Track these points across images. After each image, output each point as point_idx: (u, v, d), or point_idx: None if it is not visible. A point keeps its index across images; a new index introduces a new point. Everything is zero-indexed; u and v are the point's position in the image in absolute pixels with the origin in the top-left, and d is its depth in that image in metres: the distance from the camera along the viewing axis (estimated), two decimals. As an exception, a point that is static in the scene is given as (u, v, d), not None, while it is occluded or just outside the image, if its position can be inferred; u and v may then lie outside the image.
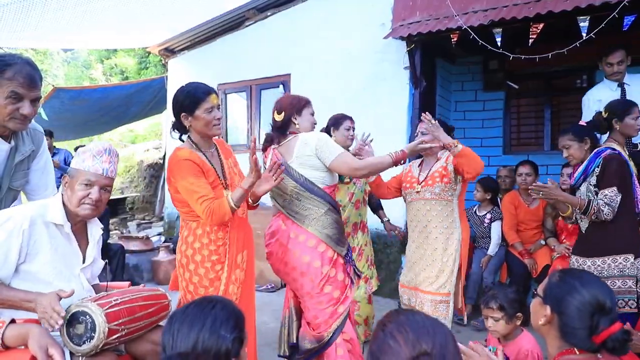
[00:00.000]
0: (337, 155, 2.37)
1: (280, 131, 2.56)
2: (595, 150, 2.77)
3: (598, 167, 2.71)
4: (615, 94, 3.52)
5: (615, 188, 2.62)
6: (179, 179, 2.14)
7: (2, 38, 5.40)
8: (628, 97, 3.42)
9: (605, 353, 1.42)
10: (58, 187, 2.26)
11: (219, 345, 1.20)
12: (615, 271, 2.63)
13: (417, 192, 2.90)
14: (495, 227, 4.30)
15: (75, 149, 5.82)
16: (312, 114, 2.61)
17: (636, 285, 2.60)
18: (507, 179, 4.60)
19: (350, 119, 3.46)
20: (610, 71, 3.58)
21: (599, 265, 2.68)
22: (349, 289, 2.47)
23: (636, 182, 2.77)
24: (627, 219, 2.68)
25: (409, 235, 3.03)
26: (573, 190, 2.90)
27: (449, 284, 2.80)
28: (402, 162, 2.54)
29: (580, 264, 2.77)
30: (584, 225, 2.82)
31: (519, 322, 2.22)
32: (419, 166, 3.05)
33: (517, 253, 4.13)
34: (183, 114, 2.21)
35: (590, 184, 2.73)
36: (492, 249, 4.26)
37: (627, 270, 2.61)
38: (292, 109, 2.54)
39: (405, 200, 3.04)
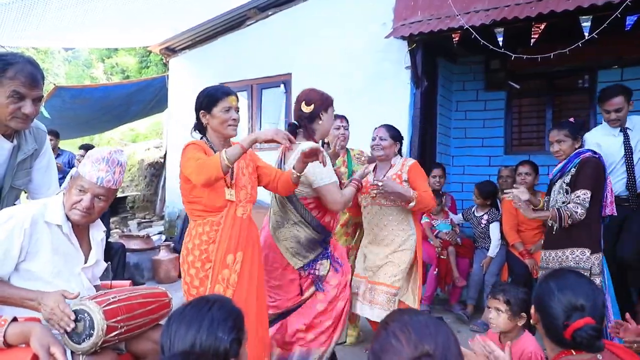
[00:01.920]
0: (327, 182, 2.45)
1: (307, 122, 2.59)
2: (577, 151, 2.93)
3: (575, 168, 2.87)
4: (618, 140, 3.31)
5: (587, 190, 2.77)
6: (183, 162, 2.16)
7: (4, 37, 5.40)
8: (632, 142, 3.29)
9: (605, 353, 1.43)
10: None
11: (217, 346, 1.19)
12: (572, 263, 2.83)
13: (373, 197, 2.97)
14: (494, 228, 4.31)
15: (80, 147, 5.80)
16: (333, 113, 2.69)
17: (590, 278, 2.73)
18: (509, 179, 4.59)
19: (341, 117, 3.48)
20: (608, 118, 3.29)
21: (559, 257, 2.90)
22: (309, 282, 2.57)
23: (609, 187, 2.92)
24: (592, 218, 2.84)
25: (364, 235, 3.17)
26: (551, 184, 3.07)
27: (398, 280, 2.90)
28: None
29: (546, 257, 2.99)
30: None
31: (520, 323, 2.21)
32: (373, 171, 3.12)
33: (518, 253, 4.12)
34: (202, 111, 2.27)
35: (564, 182, 2.89)
36: (493, 250, 4.27)
37: (582, 264, 2.81)
38: (322, 105, 2.59)
39: (360, 205, 3.14)
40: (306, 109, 2.57)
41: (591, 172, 2.82)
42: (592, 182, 2.80)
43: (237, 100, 2.34)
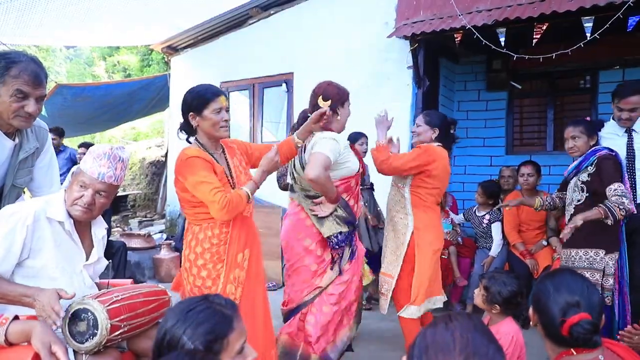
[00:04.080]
0: (319, 151, 2.44)
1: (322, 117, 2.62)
2: (593, 148, 2.89)
3: (592, 166, 2.84)
4: (622, 140, 3.09)
5: (620, 183, 2.69)
6: (188, 175, 2.11)
7: (6, 34, 5.41)
8: (635, 145, 3.06)
9: (606, 352, 1.45)
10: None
11: (182, 346, 1.16)
12: (585, 263, 2.82)
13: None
14: (496, 228, 4.30)
15: (80, 146, 5.78)
16: (349, 106, 2.73)
17: (602, 279, 2.78)
18: (510, 179, 4.59)
19: (365, 135, 3.99)
20: (619, 116, 3.06)
21: (572, 256, 2.89)
22: (328, 268, 2.59)
23: (627, 184, 2.84)
24: None
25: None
26: (565, 182, 3.06)
27: (392, 267, 2.95)
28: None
29: (564, 255, 2.97)
30: (567, 217, 2.99)
31: (494, 311, 2.30)
32: None
33: (519, 253, 4.12)
34: (191, 113, 2.21)
35: (579, 180, 2.86)
36: (495, 250, 4.26)
37: (595, 264, 2.80)
38: (338, 100, 2.63)
39: None
40: (323, 104, 2.60)
41: (614, 169, 2.78)
42: (619, 177, 2.75)
43: (227, 99, 2.31)
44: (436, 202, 3.03)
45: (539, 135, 5.78)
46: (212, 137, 2.25)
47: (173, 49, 6.93)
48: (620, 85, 3.18)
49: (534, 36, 3.84)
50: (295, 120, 5.65)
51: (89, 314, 1.63)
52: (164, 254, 5.55)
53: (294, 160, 2.70)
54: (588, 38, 3.61)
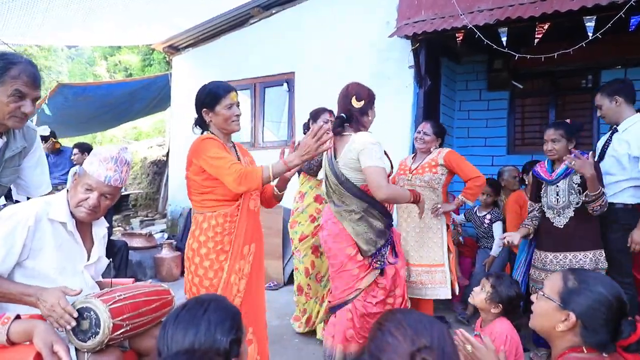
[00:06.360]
0: (373, 165, 2.42)
1: (358, 116, 2.61)
2: (575, 152, 2.94)
3: None
4: (604, 139, 3.25)
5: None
6: (202, 154, 2.19)
7: (8, 34, 5.41)
8: (614, 143, 3.09)
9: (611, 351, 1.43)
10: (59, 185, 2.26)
11: (217, 348, 1.17)
12: (589, 265, 2.88)
13: (409, 179, 3.37)
14: (497, 228, 4.30)
15: (74, 146, 5.71)
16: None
17: None
18: (512, 178, 4.58)
19: (330, 112, 3.54)
20: None
21: (580, 259, 2.91)
22: (369, 271, 2.57)
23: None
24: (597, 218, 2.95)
25: (399, 217, 3.46)
26: (539, 184, 3.17)
27: (439, 256, 3.27)
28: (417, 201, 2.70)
29: (547, 259, 3.01)
30: (562, 220, 2.98)
31: (494, 310, 2.33)
32: (412, 158, 3.55)
33: (520, 253, 4.11)
34: (204, 109, 2.32)
35: (574, 182, 2.94)
36: (495, 250, 4.25)
37: (600, 264, 2.89)
38: (370, 101, 2.65)
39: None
40: (357, 104, 2.61)
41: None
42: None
43: (237, 94, 2.39)
44: None
45: (541, 135, 5.69)
46: (225, 131, 2.37)
47: (174, 49, 6.93)
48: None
49: (536, 36, 3.83)
50: (295, 119, 5.66)
51: (92, 312, 1.63)
52: (165, 253, 5.55)
53: (327, 170, 2.67)
54: (590, 37, 3.60)
